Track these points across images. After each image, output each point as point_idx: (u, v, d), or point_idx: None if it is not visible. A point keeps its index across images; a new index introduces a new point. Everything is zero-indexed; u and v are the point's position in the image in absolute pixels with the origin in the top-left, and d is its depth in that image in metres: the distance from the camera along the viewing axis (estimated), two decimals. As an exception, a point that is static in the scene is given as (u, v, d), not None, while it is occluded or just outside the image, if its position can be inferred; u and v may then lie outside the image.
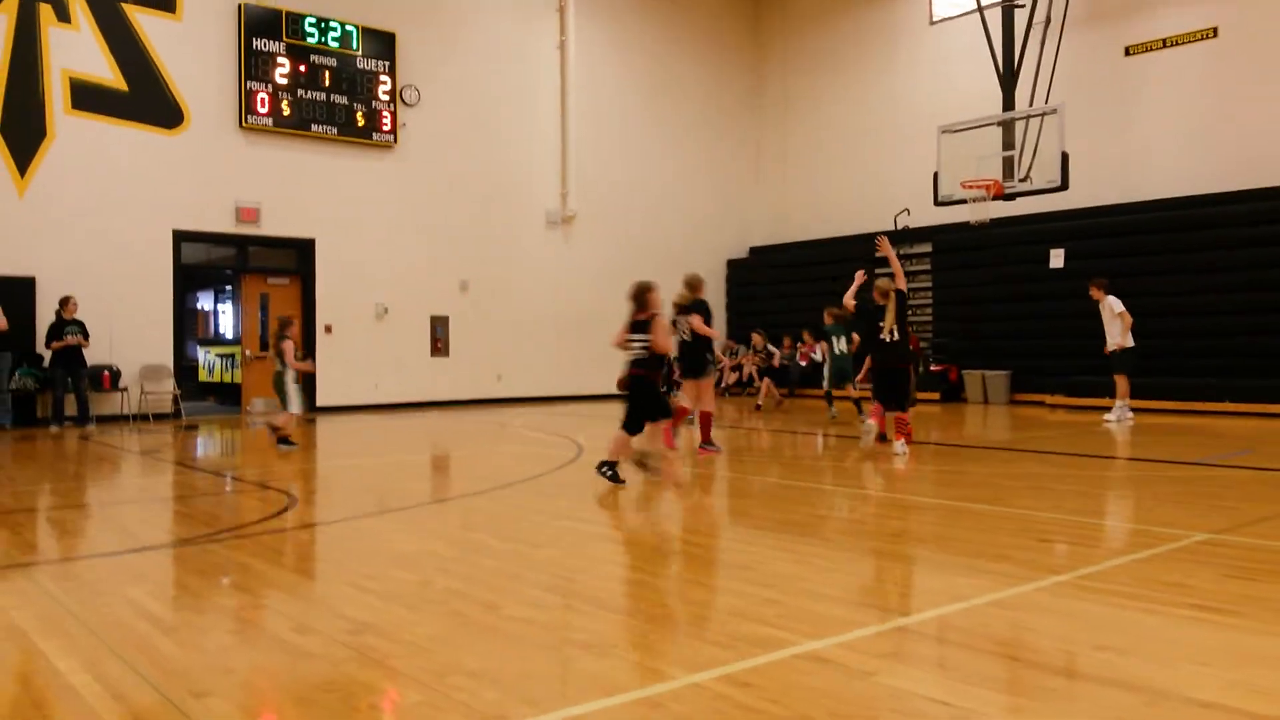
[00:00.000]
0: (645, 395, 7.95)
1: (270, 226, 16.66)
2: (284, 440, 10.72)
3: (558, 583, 4.70)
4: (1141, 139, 17.00)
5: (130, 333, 15.19)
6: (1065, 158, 14.66)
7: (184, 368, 16.51)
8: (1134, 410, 13.20)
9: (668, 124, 22.02)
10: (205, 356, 21.25)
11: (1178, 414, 14.05)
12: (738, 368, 21.47)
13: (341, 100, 17.23)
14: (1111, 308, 13.00)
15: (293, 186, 16.81)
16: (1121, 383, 13.00)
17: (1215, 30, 16.16)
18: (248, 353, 16.99)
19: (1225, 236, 15.27)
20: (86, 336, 14.14)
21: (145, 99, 15.50)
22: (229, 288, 22.71)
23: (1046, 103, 15.62)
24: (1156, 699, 3.02)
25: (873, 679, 3.23)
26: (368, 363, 17.63)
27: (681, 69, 22.29)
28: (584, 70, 20.50)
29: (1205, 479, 8.14)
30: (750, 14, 23.71)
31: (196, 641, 3.83)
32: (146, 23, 15.53)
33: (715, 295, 22.82)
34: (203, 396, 19.62)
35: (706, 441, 10.06)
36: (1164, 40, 16.77)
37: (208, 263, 18.89)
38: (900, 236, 19.71)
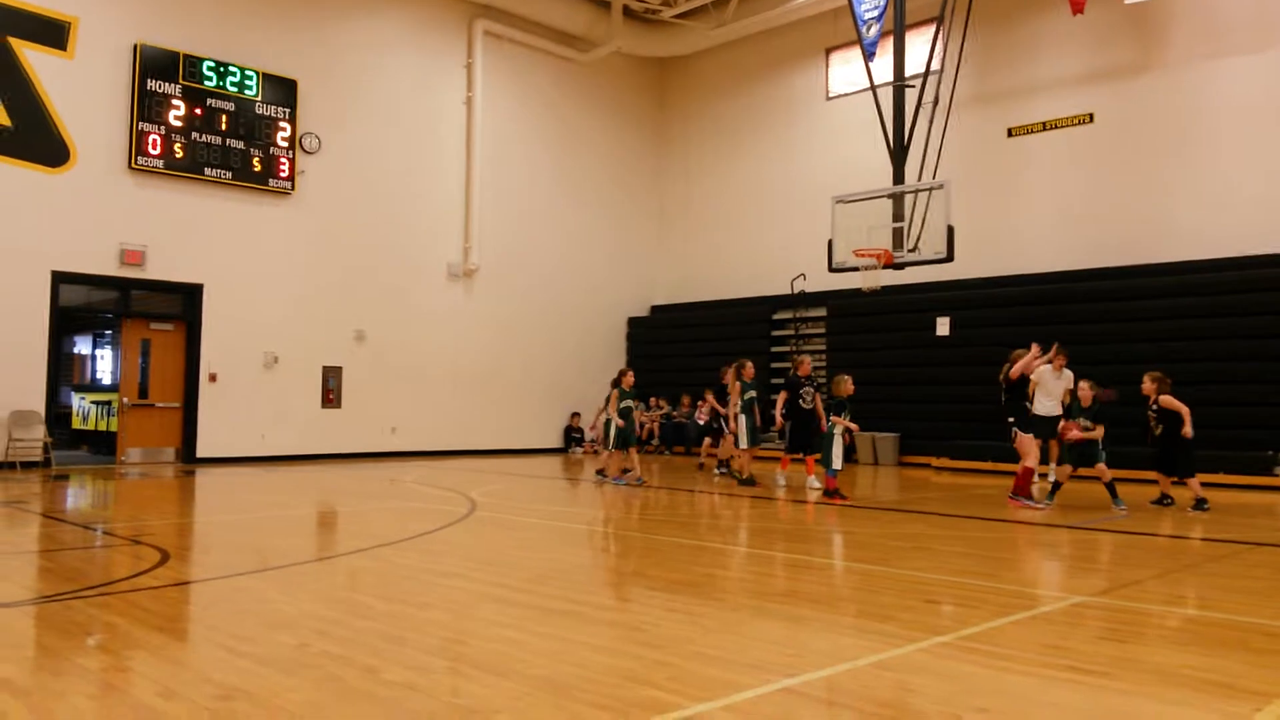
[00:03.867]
0: None
1: (156, 270, 16.11)
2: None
3: (443, 645, 4.57)
4: (1022, 215, 17.86)
5: (1, 377, 14.41)
6: (951, 231, 15.27)
7: (57, 414, 15.71)
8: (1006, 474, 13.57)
9: (573, 182, 22.22)
10: (80, 403, 20.28)
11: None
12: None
13: (238, 145, 16.89)
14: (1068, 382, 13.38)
15: (182, 230, 16.33)
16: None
17: (1091, 116, 17.18)
18: (126, 400, 16.29)
19: (1098, 310, 16.06)
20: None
21: (29, 136, 14.92)
22: (109, 332, 21.81)
23: (934, 178, 16.29)
24: (1032, 761, 3.08)
25: (758, 743, 3.21)
26: (254, 413, 17.07)
27: (587, 129, 22.58)
28: (490, 126, 20.57)
29: (1084, 542, 8.44)
30: (655, 80, 24.23)
31: (50, 707, 3.59)
32: (35, 59, 15.00)
33: (616, 352, 22.99)
34: (76, 445, 18.70)
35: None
36: (1044, 123, 17.74)
37: (87, 306, 18.11)
38: (796, 300, 20.19)
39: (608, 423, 13.39)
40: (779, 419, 13.23)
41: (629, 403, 13.16)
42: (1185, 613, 5.40)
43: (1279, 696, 3.77)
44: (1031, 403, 11.33)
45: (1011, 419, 11.16)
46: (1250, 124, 15.47)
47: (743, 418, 13.30)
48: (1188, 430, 10.22)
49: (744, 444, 13.37)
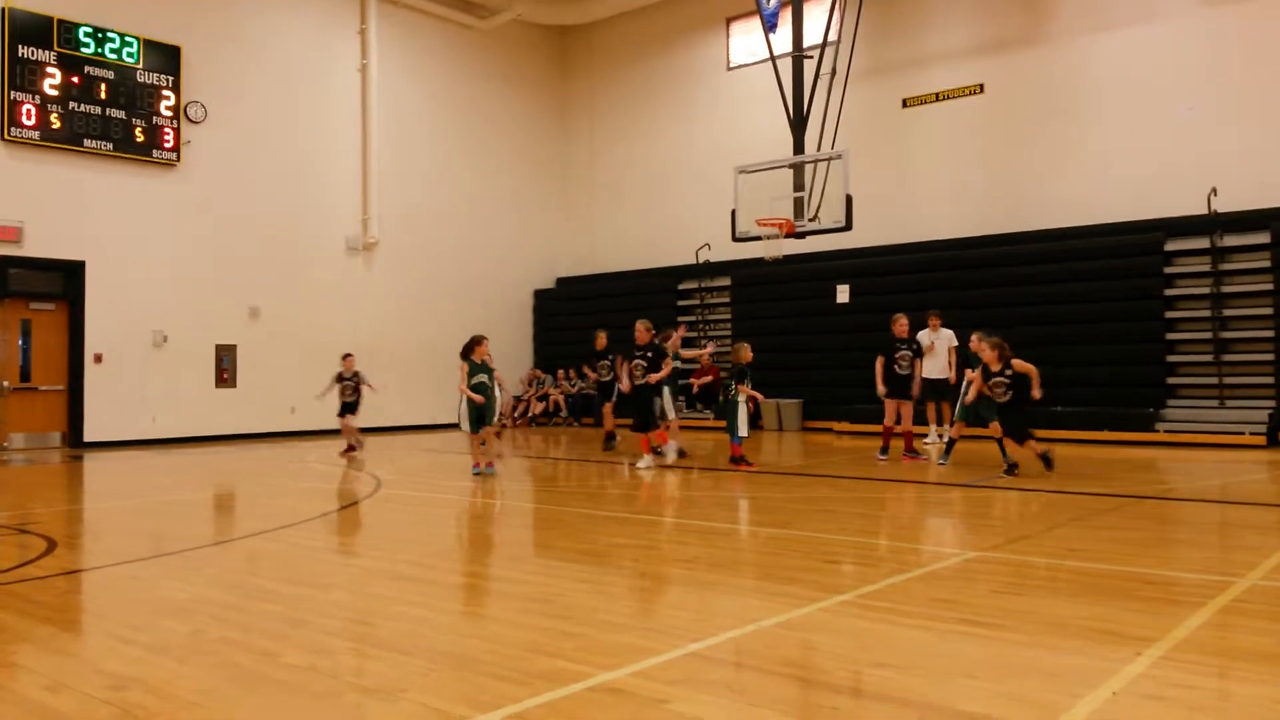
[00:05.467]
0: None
1: (34, 247, 15.33)
2: None
3: (346, 626, 4.50)
4: (918, 184, 18.26)
5: None
6: (849, 200, 15.53)
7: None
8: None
9: (474, 153, 21.86)
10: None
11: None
12: (544, 398, 21.44)
13: (119, 115, 16.13)
14: (949, 340, 13.91)
15: (61, 205, 15.56)
16: (947, 409, 13.89)
17: (982, 86, 17.62)
18: (6, 383, 15.50)
19: (991, 275, 16.57)
20: None
21: (-114, 103, 13.99)
22: (-15, 313, 20.69)
23: (833, 148, 16.52)
24: (930, 713, 3.18)
25: (665, 707, 3.24)
26: (144, 394, 16.44)
27: (488, 99, 22.22)
28: (386, 95, 20.08)
29: (977, 500, 8.74)
30: (557, 49, 23.95)
31: (-76, 708, 3.41)
32: (-111, 20, 14.05)
33: (522, 325, 22.82)
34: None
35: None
36: (937, 94, 18.12)
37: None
38: (701, 270, 20.31)
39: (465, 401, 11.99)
40: (880, 385, 12.34)
41: (482, 377, 11.45)
42: (1073, 565, 5.64)
43: (1160, 640, 3.97)
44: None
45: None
46: (1130, 96, 16.06)
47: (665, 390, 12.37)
48: (1038, 392, 10.10)
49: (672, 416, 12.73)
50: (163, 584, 5.50)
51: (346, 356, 14.21)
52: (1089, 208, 16.21)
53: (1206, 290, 14.87)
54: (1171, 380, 15.17)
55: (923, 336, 13.86)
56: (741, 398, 11.29)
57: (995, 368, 10.03)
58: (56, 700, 3.42)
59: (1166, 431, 14.44)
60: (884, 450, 12.25)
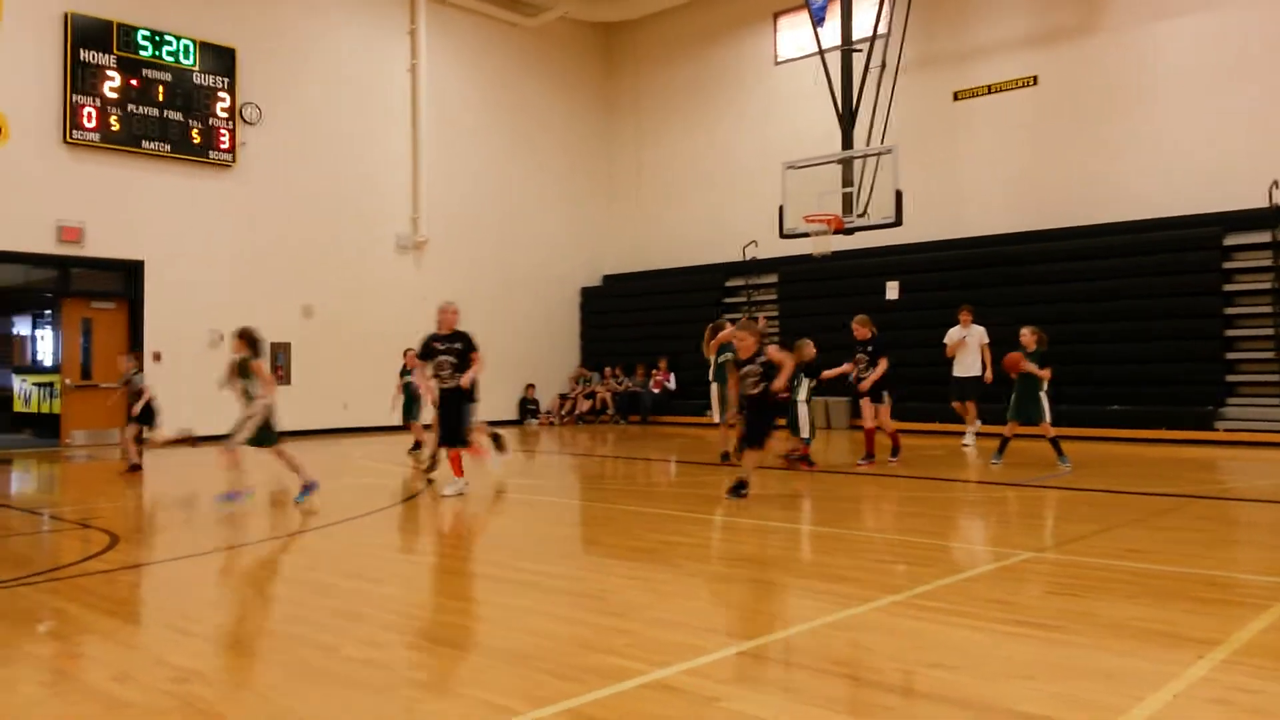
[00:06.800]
0: None
1: (95, 248, 15.70)
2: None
3: (400, 621, 4.56)
4: (969, 179, 18.03)
5: (-67, 360, 14.01)
6: (899, 195, 15.39)
7: (-3, 398, 15.34)
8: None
9: (521, 151, 21.99)
10: (21, 385, 19.78)
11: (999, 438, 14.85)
12: (591, 395, 21.52)
13: (176, 117, 16.46)
14: (981, 336, 13.51)
15: (121, 206, 15.92)
16: (973, 408, 13.57)
17: (1035, 79, 17.34)
18: (68, 381, 15.91)
19: (1044, 272, 16.32)
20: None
21: (-45, 109, 14.41)
22: (49, 312, 21.26)
23: (883, 143, 16.38)
24: (985, 714, 3.15)
25: (718, 705, 3.25)
26: (201, 392, 16.73)
27: (535, 96, 22.33)
28: (435, 94, 20.27)
29: (1029, 499, 8.62)
30: (603, 45, 23.99)
31: (3, 695, 3.52)
32: (-43, 28, 14.47)
33: (569, 322, 22.92)
34: (18, 428, 18.24)
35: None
36: (989, 87, 17.87)
37: (25, 285, 17.61)
38: (748, 267, 20.25)
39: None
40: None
41: (408, 379, 11.57)
42: (1131, 565, 5.54)
43: (1222, 643, 3.89)
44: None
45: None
46: (1191, 85, 15.71)
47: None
48: (781, 383, 8.50)
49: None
50: (222, 578, 5.62)
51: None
52: (1145, 202, 15.89)
53: (1268, 286, 14.51)
54: (1231, 378, 14.81)
55: (953, 333, 13.59)
56: (802, 396, 10.74)
57: (744, 355, 8.48)
58: (123, 691, 3.51)
59: (1226, 430, 14.11)
60: (893, 452, 11.55)
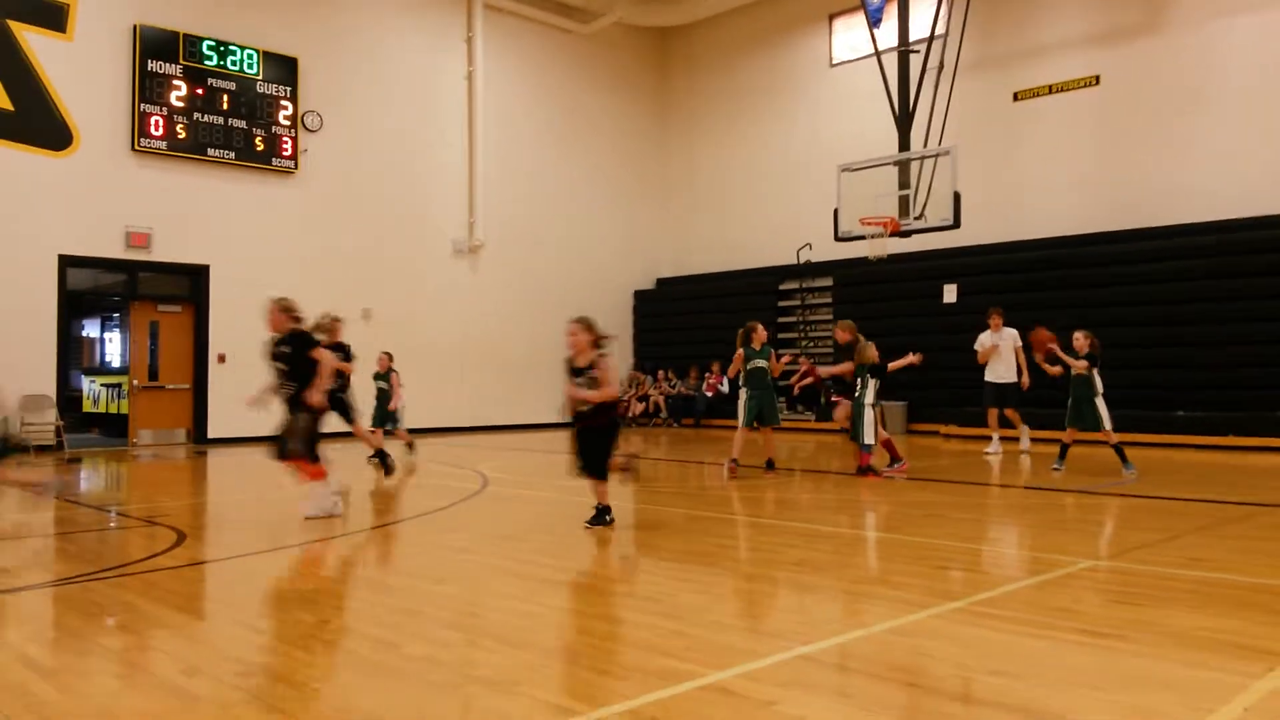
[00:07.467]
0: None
1: (162, 252, 16.13)
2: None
3: (459, 619, 4.62)
4: (1029, 180, 17.75)
5: (11, 361, 14.47)
6: (957, 197, 15.20)
7: (67, 398, 15.78)
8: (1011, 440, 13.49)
9: (576, 155, 22.13)
10: (90, 386, 20.37)
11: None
12: (644, 398, 21.56)
13: (240, 125, 16.84)
14: (1014, 340, 12.99)
15: (187, 212, 16.33)
16: (1013, 413, 13.23)
17: (1097, 78, 17.02)
18: (135, 382, 16.35)
19: (1106, 275, 15.99)
20: (-39, 365, 13.45)
21: (32, 119, 14.89)
22: (117, 315, 21.87)
23: (940, 144, 16.19)
24: (1047, 722, 3.11)
25: (774, 708, 3.24)
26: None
27: (590, 102, 22.46)
28: (491, 100, 20.48)
29: (1089, 506, 8.46)
30: (657, 50, 24.05)
31: (78, 686, 3.64)
32: (35, 41, 14.96)
33: (623, 326, 22.99)
34: (87, 428, 18.79)
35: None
36: (1050, 86, 17.58)
37: (95, 289, 18.15)
38: (802, 270, 20.14)
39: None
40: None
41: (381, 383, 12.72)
42: (1198, 575, 5.42)
43: (1292, 655, 3.80)
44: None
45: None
46: (1260, 83, 15.31)
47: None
48: (597, 395, 7.18)
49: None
50: (284, 575, 5.74)
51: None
52: (1212, 203, 15.51)
53: (1343, 288, 14.08)
54: (1303, 383, 14.40)
55: (984, 338, 13.18)
56: (868, 399, 10.37)
57: (579, 361, 7.11)
58: (192, 684, 3.61)
59: (1298, 437, 13.72)
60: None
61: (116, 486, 11.46)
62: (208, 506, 9.34)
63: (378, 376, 13.09)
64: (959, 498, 9.06)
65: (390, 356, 13.25)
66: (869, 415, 10.37)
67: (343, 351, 10.74)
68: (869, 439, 10.35)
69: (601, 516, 7.22)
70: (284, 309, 7.94)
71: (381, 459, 11.47)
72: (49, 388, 15.00)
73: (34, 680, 3.65)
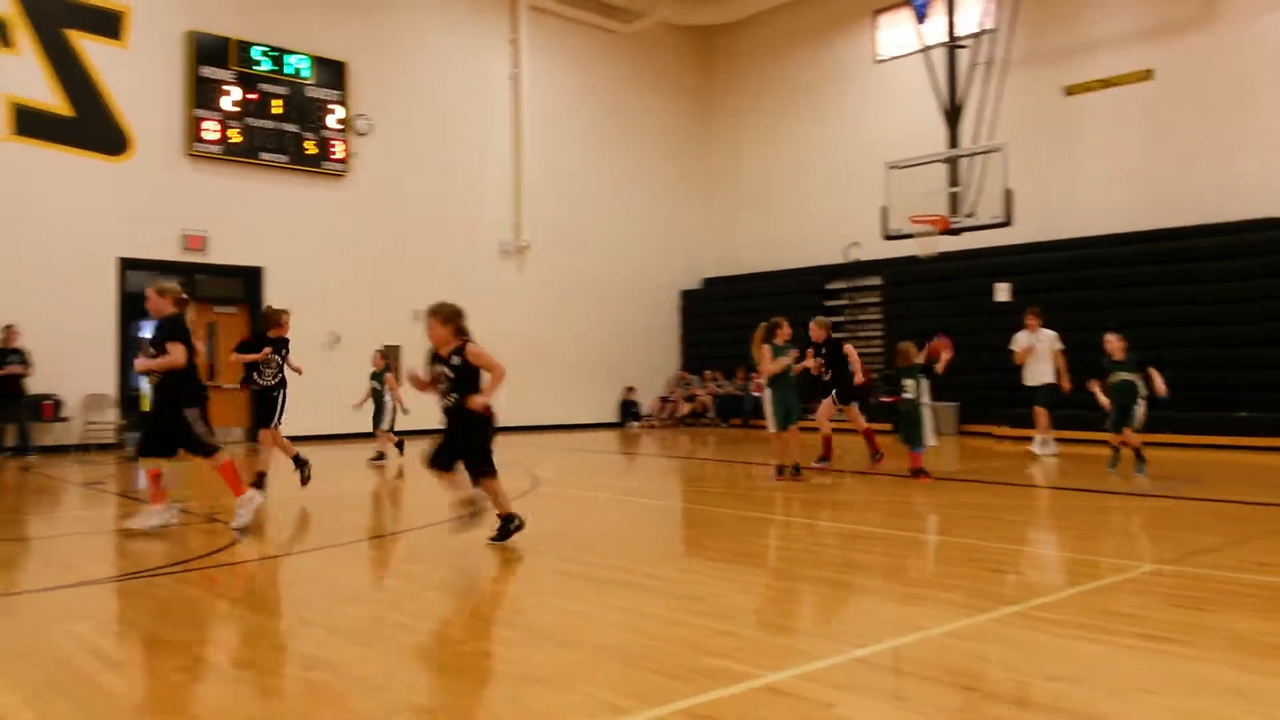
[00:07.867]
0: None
1: (217, 255, 16.44)
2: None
3: (510, 617, 4.65)
4: (1082, 176, 17.45)
5: (73, 362, 14.84)
6: (1009, 194, 14.98)
7: (128, 397, 16.12)
8: (1066, 442, 13.19)
9: (620, 155, 22.17)
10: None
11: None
12: (691, 398, 21.54)
13: (292, 129, 17.11)
14: (1052, 342, 12.75)
15: (241, 215, 16.63)
16: (1044, 415, 12.83)
17: (1150, 72, 16.69)
18: (193, 383, 16.64)
19: (1162, 273, 15.67)
20: (28, 366, 13.81)
21: (91, 125, 15.26)
22: (174, 316, 22.28)
23: (990, 140, 15.98)
24: (1109, 728, 3.06)
25: (831, 710, 3.23)
26: (319, 392, 17.31)
27: (633, 101, 22.49)
28: (536, 102, 20.59)
29: (1150, 509, 8.30)
30: (700, 49, 24.01)
31: (144, 678, 3.73)
32: (92, 49, 15.32)
33: (669, 326, 22.99)
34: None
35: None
36: (1102, 81, 17.26)
37: (153, 291, 18.51)
38: (850, 269, 19.99)
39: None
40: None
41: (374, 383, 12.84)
42: (1264, 580, 5.29)
43: (1363, 662, 3.70)
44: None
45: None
46: (1322, 75, 14.93)
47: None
48: (485, 401, 6.66)
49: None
50: (339, 571, 5.82)
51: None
52: (1271, 199, 15.13)
53: None
54: (1370, 382, 14.00)
55: (1020, 338, 12.81)
56: (925, 399, 10.05)
57: (440, 350, 6.67)
58: (254, 677, 3.68)
59: (1365, 438, 13.34)
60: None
61: (176, 484, 11.68)
62: (265, 504, 9.47)
63: (373, 376, 13.11)
64: (1012, 500, 8.94)
65: (384, 355, 13.28)
66: (928, 415, 10.08)
67: (284, 346, 10.32)
68: (930, 440, 10.06)
69: (506, 527, 6.36)
70: (160, 291, 7.35)
71: (380, 459, 12.35)
72: (110, 387, 15.37)
73: (102, 671, 3.74)
